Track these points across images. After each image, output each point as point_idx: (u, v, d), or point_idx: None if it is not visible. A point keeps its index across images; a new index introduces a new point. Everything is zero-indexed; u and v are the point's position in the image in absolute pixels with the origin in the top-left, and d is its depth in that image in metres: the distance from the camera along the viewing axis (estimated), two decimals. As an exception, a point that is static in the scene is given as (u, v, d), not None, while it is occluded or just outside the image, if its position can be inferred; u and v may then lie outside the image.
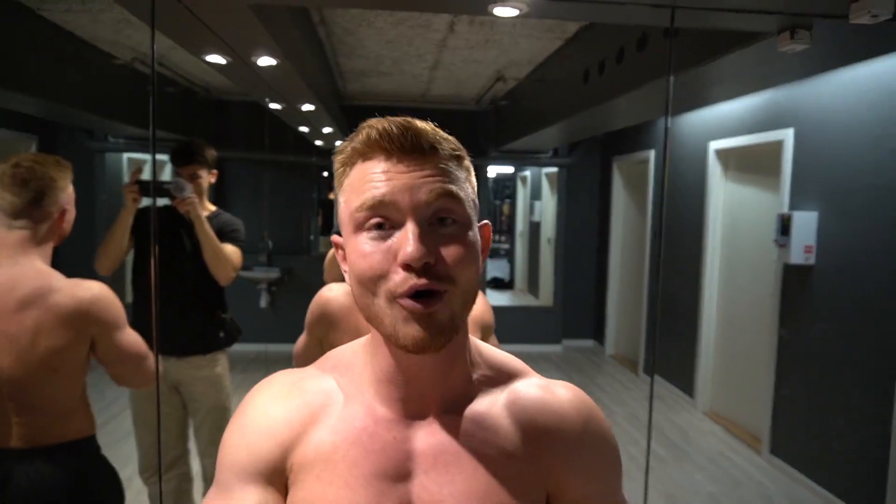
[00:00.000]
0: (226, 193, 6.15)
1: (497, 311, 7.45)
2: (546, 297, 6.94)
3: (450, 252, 0.62)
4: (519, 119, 5.11)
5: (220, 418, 2.45)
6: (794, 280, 3.67)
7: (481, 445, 0.69)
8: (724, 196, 4.58)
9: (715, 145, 4.51)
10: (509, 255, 10.23)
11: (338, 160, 0.68)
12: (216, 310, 2.48)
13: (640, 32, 2.63)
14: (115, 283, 1.81)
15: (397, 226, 0.63)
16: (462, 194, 0.65)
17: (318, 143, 5.71)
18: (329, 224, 6.84)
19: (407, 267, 0.61)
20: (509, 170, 9.73)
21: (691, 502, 3.36)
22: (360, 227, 0.64)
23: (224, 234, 2.41)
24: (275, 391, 0.73)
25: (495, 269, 10.97)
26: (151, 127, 1.38)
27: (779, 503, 3.36)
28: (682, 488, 3.52)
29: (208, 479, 2.61)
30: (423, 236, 0.61)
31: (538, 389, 0.73)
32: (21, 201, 1.44)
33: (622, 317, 6.29)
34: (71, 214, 1.56)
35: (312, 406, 0.71)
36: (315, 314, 1.72)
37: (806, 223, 3.49)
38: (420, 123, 0.66)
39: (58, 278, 1.49)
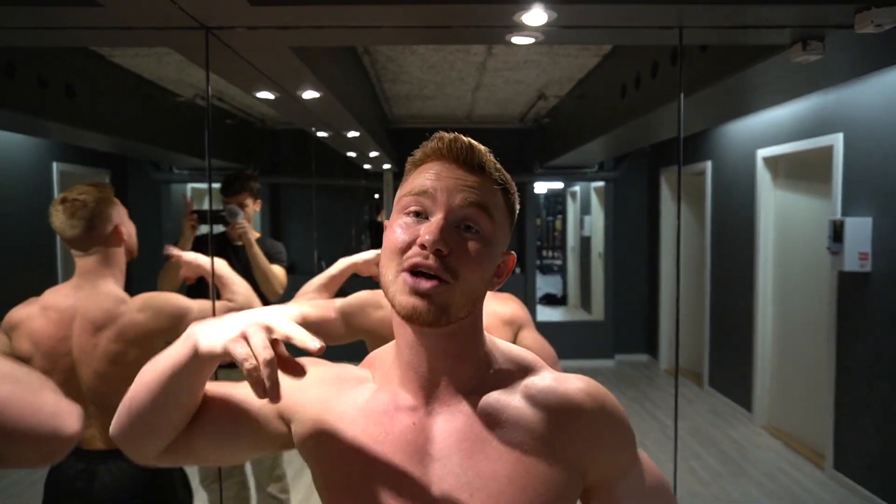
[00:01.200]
0: (280, 218, 6.43)
1: (549, 326, 7.51)
2: (598, 312, 6.89)
3: (462, 252, 0.71)
4: (562, 135, 5.17)
5: None
6: (849, 288, 3.56)
7: (504, 432, 0.74)
8: (774, 204, 4.49)
9: (763, 153, 4.44)
10: (562, 271, 10.20)
11: (410, 161, 0.79)
12: None
13: (672, 47, 2.66)
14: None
15: (430, 216, 0.72)
16: (493, 215, 0.74)
17: (366, 166, 5.91)
18: (377, 245, 7.03)
19: (422, 247, 0.70)
20: (559, 185, 9.74)
21: (748, 518, 3.29)
22: (401, 210, 0.74)
23: (270, 257, 2.64)
24: (318, 365, 0.82)
25: (548, 285, 10.93)
26: (207, 159, 1.53)
27: (842, 520, 3.25)
28: (737, 503, 3.44)
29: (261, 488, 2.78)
30: (445, 230, 0.70)
31: (553, 381, 0.79)
32: (78, 231, 1.61)
33: (682, 330, 6.17)
34: (127, 227, 1.71)
35: (344, 382, 0.80)
36: (356, 306, 1.57)
37: (860, 229, 3.40)
38: (480, 147, 0.76)
39: (125, 302, 1.66)
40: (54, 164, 5.01)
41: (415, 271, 0.70)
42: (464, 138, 0.76)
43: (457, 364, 0.76)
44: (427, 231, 0.70)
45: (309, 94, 2.16)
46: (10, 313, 1.66)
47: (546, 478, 0.74)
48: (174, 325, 1.68)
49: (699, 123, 4.05)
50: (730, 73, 2.25)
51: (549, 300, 9.27)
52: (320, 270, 6.39)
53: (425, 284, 0.70)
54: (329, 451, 0.76)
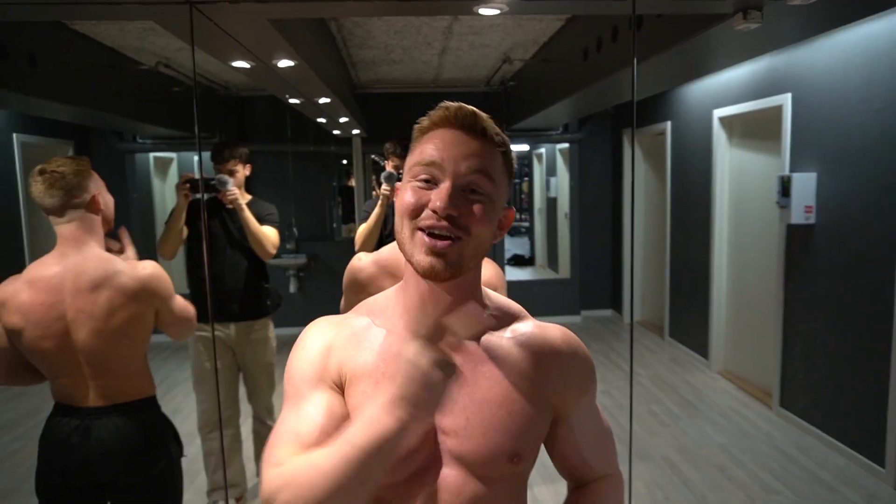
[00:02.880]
0: (253, 185, 6.42)
1: (518, 285, 7.69)
2: (564, 270, 7.12)
3: (469, 212, 0.82)
4: (527, 98, 5.28)
5: (268, 373, 2.93)
6: (796, 239, 3.81)
7: (495, 367, 0.88)
8: (729, 162, 4.70)
9: (719, 113, 4.63)
10: (529, 233, 10.39)
11: (417, 128, 0.88)
12: (261, 282, 2.92)
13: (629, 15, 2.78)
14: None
15: (437, 182, 0.83)
16: (494, 177, 0.84)
17: (336, 132, 5.94)
18: (349, 211, 7.09)
19: (434, 211, 0.81)
20: (525, 148, 9.85)
21: (702, 453, 3.56)
22: (413, 177, 0.84)
23: (262, 218, 2.79)
24: (325, 325, 0.93)
25: (516, 246, 11.13)
26: (197, 130, 1.61)
27: (787, 452, 3.54)
28: (694, 441, 3.72)
29: (258, 430, 3.03)
30: (454, 196, 0.81)
31: (536, 328, 0.94)
32: (56, 200, 1.68)
33: (644, 284, 6.45)
34: (105, 198, 1.79)
35: (357, 333, 0.91)
36: (348, 280, 1.94)
37: (805, 184, 3.62)
38: (482, 114, 0.86)
39: (118, 262, 1.75)
40: (14, 136, 4.93)
41: (430, 232, 0.81)
42: (468, 107, 0.86)
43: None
44: (437, 197, 0.81)
45: (284, 63, 2.22)
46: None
47: (527, 406, 0.88)
48: (165, 295, 1.80)
49: (657, 85, 4.20)
50: (683, 39, 2.39)
51: (518, 261, 9.47)
52: (293, 236, 6.46)
53: (441, 244, 0.81)
54: (358, 397, 0.87)
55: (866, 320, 3.26)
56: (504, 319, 0.93)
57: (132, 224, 5.50)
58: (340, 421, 0.83)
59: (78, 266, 1.70)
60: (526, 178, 11.70)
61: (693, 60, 3.10)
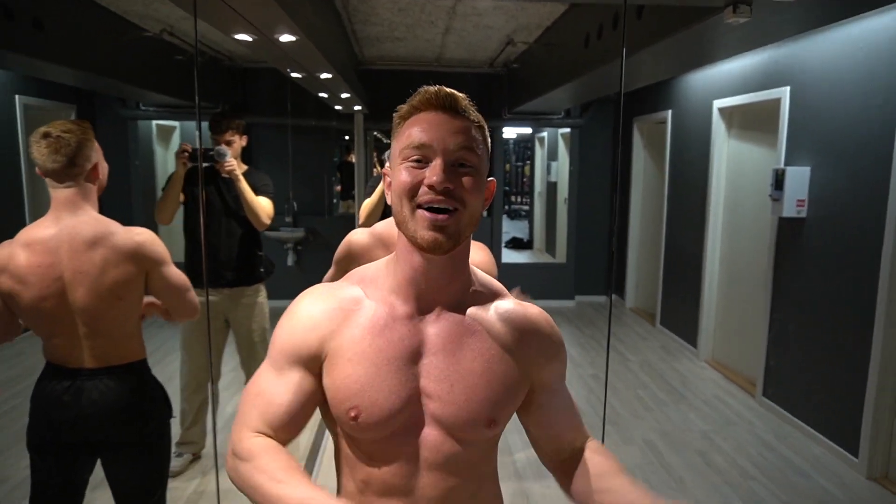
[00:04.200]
0: (252, 157, 6.45)
1: (514, 268, 7.78)
2: (561, 255, 7.17)
3: (461, 185, 0.88)
4: (529, 81, 5.28)
5: (261, 337, 3.02)
6: (787, 232, 3.85)
7: (479, 338, 0.95)
8: (727, 153, 4.73)
9: (719, 104, 4.65)
10: (529, 216, 10.42)
11: (397, 115, 0.93)
12: (255, 250, 3.02)
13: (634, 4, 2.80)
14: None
15: (428, 162, 0.89)
16: (477, 152, 0.91)
17: (338, 107, 5.94)
18: (347, 187, 7.12)
19: (431, 188, 0.87)
20: (528, 131, 9.85)
21: (684, 438, 3.64)
22: (405, 159, 0.90)
23: (257, 189, 2.86)
24: (315, 296, 0.97)
25: (515, 229, 11.17)
26: (196, 99, 1.64)
27: (766, 440, 3.63)
28: (677, 427, 3.80)
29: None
30: (447, 171, 0.88)
31: (517, 305, 1.01)
32: (58, 165, 1.71)
33: (640, 272, 6.51)
34: (103, 166, 1.83)
35: (345, 308, 0.95)
36: (342, 251, 2.03)
37: (799, 178, 3.66)
38: (459, 94, 0.93)
39: (114, 224, 1.79)
40: (17, 97, 4.94)
41: (430, 207, 0.87)
42: (446, 89, 0.92)
43: (450, 281, 0.95)
44: (433, 173, 0.87)
45: (286, 38, 2.25)
46: None
47: (506, 377, 0.95)
48: (158, 260, 1.82)
49: (657, 74, 4.22)
50: (679, 29, 2.41)
51: (516, 244, 9.52)
52: (291, 210, 6.51)
53: (442, 218, 0.87)
54: (343, 366, 0.92)
55: (849, 315, 3.32)
56: (488, 295, 1.00)
57: (132, 191, 5.53)
58: (307, 398, 0.94)
59: (73, 228, 1.72)
60: (528, 162, 11.71)
61: (690, 51, 3.12)
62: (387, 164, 0.98)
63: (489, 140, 0.97)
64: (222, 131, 2.83)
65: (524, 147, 13.19)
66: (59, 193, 1.75)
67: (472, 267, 1.01)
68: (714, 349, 4.93)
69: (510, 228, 11.42)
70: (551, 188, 8.23)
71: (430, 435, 0.93)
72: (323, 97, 4.93)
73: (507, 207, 14.18)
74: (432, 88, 0.92)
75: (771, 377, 4.02)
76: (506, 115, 6.23)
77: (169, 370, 4.25)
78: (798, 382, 3.75)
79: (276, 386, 0.94)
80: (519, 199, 14.12)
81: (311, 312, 0.95)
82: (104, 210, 1.91)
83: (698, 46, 2.91)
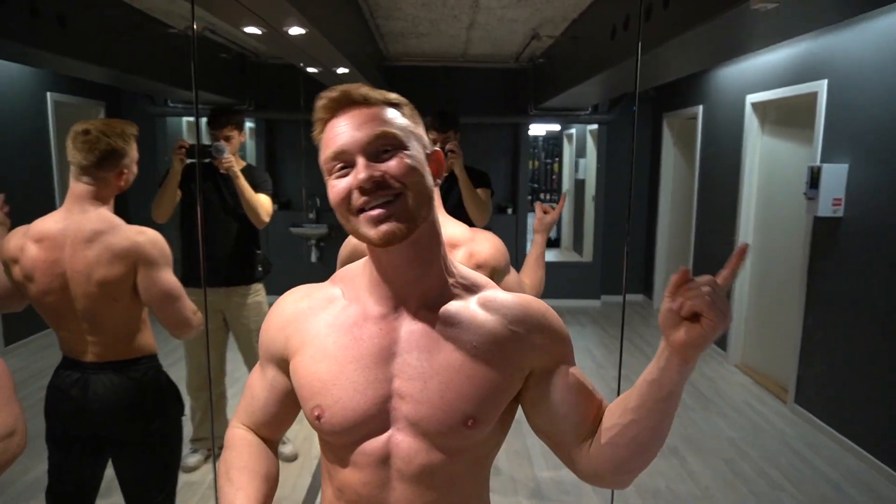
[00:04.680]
0: (276, 154, 6.47)
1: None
2: (588, 254, 7.04)
3: (392, 166, 0.82)
4: (555, 76, 5.17)
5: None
6: (822, 232, 3.69)
7: (459, 332, 0.87)
8: (760, 150, 4.56)
9: (752, 98, 4.48)
10: (556, 214, 10.27)
11: (314, 135, 0.89)
12: (252, 248, 2.96)
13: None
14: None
15: (353, 165, 0.83)
16: (395, 129, 0.84)
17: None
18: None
19: (361, 189, 0.82)
20: (556, 128, 9.70)
21: (710, 445, 3.52)
22: (330, 172, 0.85)
23: (256, 186, 2.80)
24: (291, 297, 0.97)
25: (543, 227, 11.03)
26: (195, 93, 1.61)
27: (797, 449, 3.47)
28: (703, 433, 3.67)
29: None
30: (369, 165, 0.82)
31: (506, 295, 0.93)
32: (87, 162, 1.70)
33: (669, 272, 6.34)
34: (130, 174, 1.80)
35: (314, 306, 0.93)
36: (344, 253, 1.97)
37: (835, 175, 3.49)
38: (352, 86, 0.86)
39: (118, 223, 1.75)
40: (48, 94, 5.04)
41: (364, 209, 0.82)
42: (337, 87, 0.87)
43: (423, 274, 0.89)
44: (356, 174, 0.82)
45: (295, 31, 2.21)
46: (4, 245, 1.74)
47: (488, 370, 0.87)
48: (151, 261, 1.74)
49: (687, 67, 4.06)
50: (707, 18, 2.30)
51: (542, 242, 9.39)
52: (311, 207, 6.51)
53: (379, 211, 0.82)
54: (306, 364, 0.90)
55: (888, 319, 3.15)
56: (470, 288, 0.93)
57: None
58: (280, 397, 0.99)
59: (78, 224, 1.71)
60: (557, 159, 11.55)
61: (720, 42, 2.98)
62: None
63: (415, 112, 0.91)
64: (221, 126, 2.78)
65: (553, 144, 13.03)
66: (77, 187, 1.74)
67: (453, 260, 0.95)
68: (744, 353, 4.77)
69: (538, 226, 11.29)
70: (579, 185, 8.10)
71: (404, 442, 0.87)
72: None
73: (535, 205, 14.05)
74: (325, 93, 0.87)
75: (804, 383, 3.85)
76: (531, 111, 6.12)
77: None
78: (833, 389, 3.58)
79: (257, 381, 1.01)
80: (548, 197, 13.97)
81: (282, 311, 0.96)
82: (134, 206, 1.89)
83: (728, 36, 2.78)
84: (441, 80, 6.17)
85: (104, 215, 1.75)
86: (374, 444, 0.87)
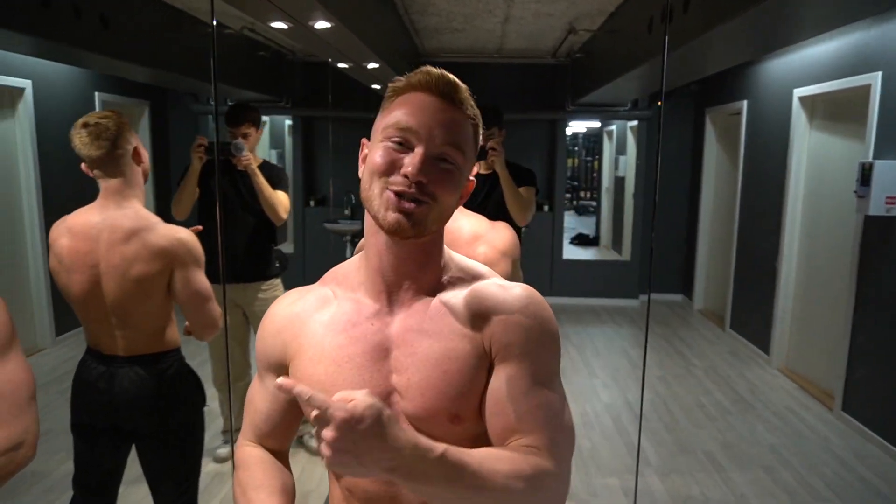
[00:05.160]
0: (312, 151, 6.55)
1: (577, 265, 7.53)
2: (627, 252, 6.90)
3: (438, 180, 0.82)
4: (593, 71, 5.07)
5: None
6: (874, 232, 3.51)
7: (439, 325, 0.86)
8: (808, 146, 4.37)
9: (799, 92, 4.29)
10: (597, 212, 10.12)
11: (391, 87, 0.87)
12: (269, 244, 2.98)
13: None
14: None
15: (410, 147, 0.82)
16: (464, 150, 0.85)
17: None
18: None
19: (405, 177, 0.81)
20: (597, 125, 9.54)
21: (749, 451, 3.39)
22: (386, 138, 0.83)
23: (274, 183, 2.81)
24: (282, 303, 0.96)
25: (583, 225, 10.89)
26: (214, 91, 1.62)
27: (843, 458, 3.32)
28: (742, 438, 3.54)
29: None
30: (425, 164, 0.81)
31: (494, 286, 0.89)
32: (104, 150, 1.72)
33: (710, 272, 6.16)
34: (143, 151, 1.83)
35: (308, 310, 0.92)
36: (361, 246, 1.97)
37: (889, 172, 3.31)
38: (461, 84, 0.86)
39: (157, 221, 1.79)
40: (97, 94, 5.20)
41: (398, 194, 0.81)
42: (449, 75, 0.85)
43: (419, 270, 0.88)
44: (410, 164, 0.80)
45: (321, 25, 2.21)
46: (50, 234, 1.80)
47: (464, 365, 0.84)
48: (188, 262, 1.78)
49: (732, 58, 3.91)
50: (751, 5, 2.20)
51: (581, 240, 9.27)
52: (350, 204, 6.58)
53: (408, 205, 0.81)
54: (304, 366, 0.89)
55: (945, 325, 2.97)
56: (465, 279, 0.91)
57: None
58: (282, 406, 0.96)
59: (115, 220, 1.74)
60: (598, 157, 11.37)
61: (765, 31, 2.86)
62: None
63: (480, 137, 0.90)
64: (239, 123, 2.80)
65: (594, 142, 12.82)
66: (108, 184, 1.77)
67: (452, 253, 0.93)
68: (788, 357, 4.58)
69: (577, 224, 11.15)
70: (619, 183, 7.94)
71: None
72: (376, 89, 4.92)
73: (574, 203, 13.85)
74: (435, 70, 0.85)
75: (852, 390, 3.67)
76: (569, 108, 6.02)
77: (206, 354, 4.32)
78: (882, 396, 3.40)
79: (258, 393, 0.99)
80: (588, 195, 13.75)
81: (275, 318, 0.95)
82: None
83: (773, 25, 2.66)
84: (477, 76, 6.13)
85: (141, 212, 1.78)
86: None
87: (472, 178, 0.91)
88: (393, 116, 0.83)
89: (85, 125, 1.74)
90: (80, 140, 1.73)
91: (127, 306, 1.76)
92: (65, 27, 3.08)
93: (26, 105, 4.39)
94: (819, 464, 3.26)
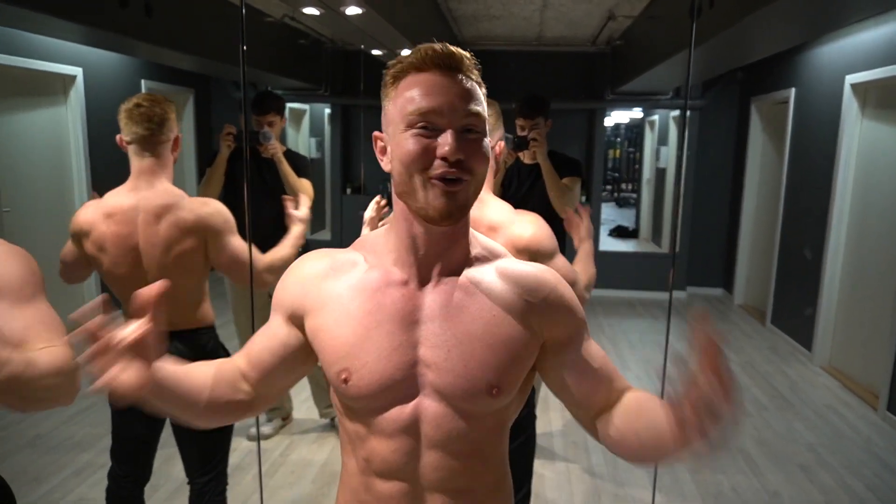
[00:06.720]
0: (350, 139, 6.60)
1: (615, 256, 7.44)
2: (667, 244, 6.76)
3: (471, 152, 0.83)
4: (633, 59, 4.97)
5: None
6: (926, 227, 3.35)
7: (479, 300, 0.89)
8: (859, 136, 4.19)
9: (852, 79, 4.12)
10: (637, 204, 9.95)
11: (391, 72, 0.86)
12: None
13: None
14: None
15: (437, 129, 0.82)
16: (484, 115, 0.86)
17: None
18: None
19: (444, 159, 0.82)
20: (639, 115, 9.35)
21: (785, 449, 3.30)
22: (410, 126, 0.83)
23: (298, 171, 2.87)
24: (311, 257, 0.97)
25: (621, 217, 10.71)
26: (243, 78, 1.65)
27: (886, 460, 3.20)
28: (779, 436, 3.45)
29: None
30: (457, 140, 0.82)
31: (521, 264, 0.95)
32: (148, 133, 1.79)
33: (752, 266, 6.00)
34: (180, 139, 1.90)
35: (336, 267, 0.93)
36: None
37: (943, 164, 3.15)
38: (455, 49, 0.85)
39: (184, 197, 1.85)
40: (143, 82, 5.36)
41: (443, 179, 0.82)
42: (450, 47, 0.85)
43: (451, 248, 0.90)
44: (446, 145, 0.81)
45: (352, 11, 2.23)
46: (74, 219, 1.85)
47: (508, 339, 0.89)
48: (219, 229, 1.84)
49: (780, 42, 3.78)
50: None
51: (621, 232, 9.12)
52: (385, 192, 6.64)
53: (454, 188, 0.82)
54: (329, 327, 0.90)
55: None
56: (489, 258, 0.94)
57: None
58: (276, 343, 0.97)
59: (148, 199, 1.81)
60: (639, 148, 11.14)
61: (815, 12, 2.75)
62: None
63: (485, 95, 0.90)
64: (265, 111, 2.86)
65: (636, 133, 12.57)
66: (141, 163, 1.82)
67: (473, 231, 0.95)
68: (832, 354, 4.43)
69: (617, 216, 10.98)
70: (660, 175, 7.77)
71: (431, 408, 0.88)
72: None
73: (615, 195, 13.62)
74: (436, 45, 0.84)
75: (898, 390, 3.53)
76: (608, 97, 5.92)
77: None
78: (930, 398, 3.27)
79: (262, 330, 1.01)
80: (629, 187, 13.49)
81: (301, 269, 0.96)
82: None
83: (824, 6, 2.55)
84: (515, 64, 6.07)
85: (169, 189, 1.84)
86: (403, 410, 0.88)
87: (500, 141, 0.91)
88: (408, 102, 0.83)
89: (138, 105, 1.80)
90: (129, 117, 1.79)
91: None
92: (111, 15, 3.18)
93: (77, 92, 4.55)
94: (859, 465, 3.15)
